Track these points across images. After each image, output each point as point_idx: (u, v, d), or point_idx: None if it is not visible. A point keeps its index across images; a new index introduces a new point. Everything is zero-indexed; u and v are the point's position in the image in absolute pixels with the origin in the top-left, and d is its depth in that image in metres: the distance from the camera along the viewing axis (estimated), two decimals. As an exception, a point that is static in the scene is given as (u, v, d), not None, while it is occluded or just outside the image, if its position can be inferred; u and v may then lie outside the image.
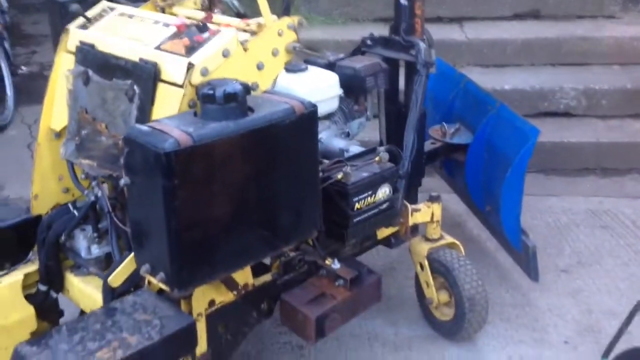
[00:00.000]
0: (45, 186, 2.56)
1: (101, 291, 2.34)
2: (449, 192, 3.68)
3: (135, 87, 2.13)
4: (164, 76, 2.10)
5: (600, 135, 4.48)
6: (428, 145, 3.32)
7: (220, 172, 1.90)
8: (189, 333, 1.95)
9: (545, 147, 4.20)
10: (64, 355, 1.80)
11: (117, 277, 2.12)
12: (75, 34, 2.42)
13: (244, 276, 2.31)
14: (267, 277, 2.44)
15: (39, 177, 2.54)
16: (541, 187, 4.17)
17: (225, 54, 2.08)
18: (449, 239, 2.93)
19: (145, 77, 2.11)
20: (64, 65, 2.46)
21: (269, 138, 1.98)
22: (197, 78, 2.03)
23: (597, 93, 4.63)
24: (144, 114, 2.12)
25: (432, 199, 2.88)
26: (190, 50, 2.07)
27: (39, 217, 2.56)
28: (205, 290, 2.19)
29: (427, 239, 2.92)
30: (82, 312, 2.65)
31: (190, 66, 2.03)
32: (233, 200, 1.95)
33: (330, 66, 2.77)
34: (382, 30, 3.27)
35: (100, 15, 2.44)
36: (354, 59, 2.91)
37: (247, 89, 1.95)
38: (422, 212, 2.84)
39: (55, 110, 2.48)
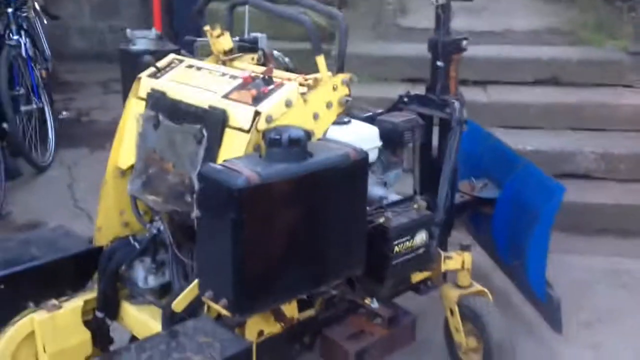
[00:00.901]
0: (107, 219, 2.76)
1: (155, 319, 2.54)
2: (474, 245, 3.84)
3: (204, 131, 2.36)
4: (231, 122, 2.32)
5: (619, 198, 4.66)
6: (457, 199, 3.51)
7: (281, 209, 2.11)
8: (247, 356, 2.12)
9: (566, 207, 4.34)
10: (134, 372, 1.97)
11: (180, 303, 2.30)
12: (146, 82, 2.66)
13: (290, 310, 2.48)
14: (310, 313, 2.61)
15: (103, 211, 2.75)
16: (562, 245, 4.31)
17: (288, 104, 2.32)
18: (478, 287, 3.10)
19: (214, 122, 2.34)
20: (133, 109, 2.69)
21: (325, 180, 2.19)
22: (262, 124, 2.26)
23: (615, 157, 4.84)
24: (211, 155, 2.33)
25: (464, 248, 3.06)
26: (257, 99, 2.30)
27: (100, 248, 2.75)
28: (256, 321, 2.37)
29: (458, 286, 3.08)
30: (132, 339, 2.83)
31: (257, 114, 2.26)
32: (291, 235, 2.15)
33: (371, 120, 2.99)
34: (408, 89, 3.49)
35: (169, 66, 2.69)
36: (393, 114, 3.13)
37: (308, 135, 2.18)
38: (454, 260, 3.02)
39: (123, 150, 2.70)
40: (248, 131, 2.27)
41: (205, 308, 2.31)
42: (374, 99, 4.85)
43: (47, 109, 5.83)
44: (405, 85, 5.03)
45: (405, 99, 3.33)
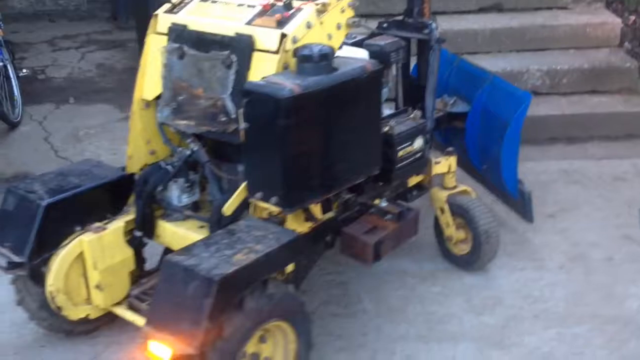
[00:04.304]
0: (136, 149, 3.02)
1: (192, 231, 2.86)
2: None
3: (233, 57, 2.64)
4: (258, 46, 2.61)
5: (564, 109, 5.17)
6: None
7: (317, 115, 2.44)
8: (297, 244, 2.47)
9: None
10: (209, 259, 2.28)
11: (230, 206, 2.61)
12: (164, 18, 2.90)
13: (316, 212, 2.83)
14: (330, 214, 2.96)
15: (132, 141, 3.00)
16: (519, 155, 4.79)
17: (309, 26, 2.62)
18: (462, 186, 3.52)
19: (242, 47, 2.62)
20: (153, 44, 2.93)
21: (349, 89, 2.53)
22: (289, 45, 2.56)
23: (558, 73, 5.33)
24: (241, 78, 2.62)
25: (449, 153, 3.47)
26: (281, 23, 2.59)
27: (132, 175, 3.02)
28: (291, 222, 2.71)
29: (445, 188, 3.50)
30: (161, 259, 3.13)
31: (283, 36, 2.56)
32: (325, 138, 2.50)
33: (358, 45, 3.32)
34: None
35: (182, 2, 2.93)
36: (377, 38, 3.45)
37: (333, 51, 2.50)
38: (442, 164, 3.42)
39: (147, 83, 2.95)
40: (276, 52, 2.56)
41: (251, 210, 2.63)
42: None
43: (9, 67, 5.88)
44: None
45: (385, 25, 3.67)
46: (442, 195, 3.46)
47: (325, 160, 2.52)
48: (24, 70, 6.18)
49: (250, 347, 2.44)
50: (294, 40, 2.57)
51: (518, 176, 3.69)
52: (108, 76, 6.92)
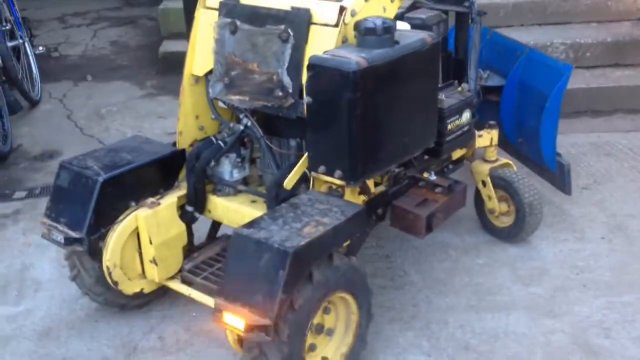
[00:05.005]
0: (186, 125, 3.01)
1: (245, 205, 2.88)
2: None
3: (290, 31, 2.63)
4: (315, 19, 2.60)
5: (589, 82, 5.18)
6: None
7: (381, 88, 2.44)
8: (362, 216, 2.49)
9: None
10: (279, 232, 2.29)
11: (290, 180, 2.62)
12: (214, -7, 2.89)
13: (370, 185, 2.84)
14: (381, 188, 2.97)
15: (183, 117, 2.99)
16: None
17: (366, -1, 2.62)
18: (503, 160, 3.54)
19: (299, 21, 2.61)
20: (202, 19, 2.92)
21: (411, 62, 2.53)
22: (348, 18, 2.55)
23: (582, 47, 5.34)
24: (298, 52, 2.62)
25: (490, 126, 3.48)
26: (339, -4, 2.59)
27: (183, 151, 3.02)
28: (347, 196, 2.72)
29: (487, 161, 3.51)
30: (211, 230, 3.15)
31: (342, 9, 2.55)
32: (388, 110, 2.50)
33: (398, 18, 3.31)
34: None
35: (232, -24, 2.91)
36: (418, 11, 3.45)
37: (395, 24, 2.50)
38: (484, 137, 3.43)
39: (197, 58, 2.94)
40: (335, 25, 2.56)
41: (311, 184, 2.64)
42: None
43: (27, 45, 5.85)
44: None
45: (423, -1, 3.66)
46: (484, 168, 3.48)
47: (387, 133, 2.53)
48: (40, 48, 6.13)
49: (316, 319, 2.47)
50: (353, 14, 2.57)
51: (556, 149, 3.71)
52: (123, 53, 6.89)
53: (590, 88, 5.15)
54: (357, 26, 2.50)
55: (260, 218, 2.42)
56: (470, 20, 3.47)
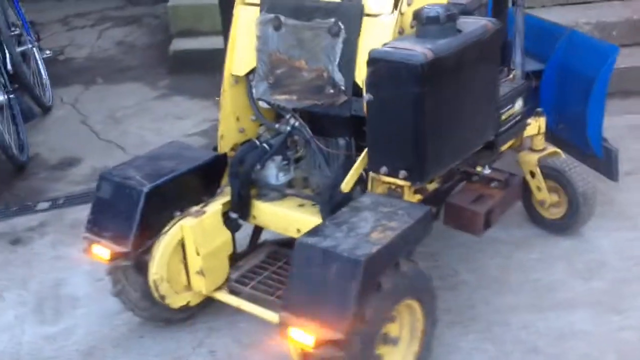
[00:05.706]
0: (228, 128, 2.87)
1: (293, 210, 2.74)
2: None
3: (340, 24, 2.48)
4: (367, 11, 2.46)
5: (617, 63, 5.02)
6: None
7: (447, 81, 2.30)
8: (428, 218, 2.35)
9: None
10: (345, 240, 2.15)
11: (349, 182, 2.48)
12: (253, -13, 2.73)
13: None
14: (434, 185, 2.83)
15: (224, 120, 2.85)
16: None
17: (419, -13, 2.47)
18: (552, 148, 3.40)
19: (351, 13, 2.46)
20: (242, 16, 2.76)
21: (475, 51, 2.39)
22: (405, 7, 2.41)
23: (607, 26, 5.19)
24: (350, 46, 2.48)
25: (538, 114, 3.34)
26: (392, -15, 2.44)
27: (225, 155, 2.87)
28: (405, 196, 2.58)
29: (534, 150, 3.37)
30: (252, 239, 3.01)
31: (398, -1, 2.41)
32: (453, 104, 2.36)
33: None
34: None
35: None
36: (457, -4, 3.32)
37: (458, 12, 2.35)
38: (532, 126, 3.28)
39: (237, 58, 2.79)
40: (391, 15, 2.41)
41: (369, 186, 2.50)
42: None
43: (36, 49, 5.69)
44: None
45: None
46: (532, 158, 3.33)
47: (452, 128, 2.39)
48: (47, 52, 5.96)
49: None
50: (409, 3, 2.42)
51: (603, 134, 3.57)
52: (130, 54, 6.72)
53: (620, 68, 4.95)
54: (417, 15, 2.35)
55: (323, 225, 2.28)
56: (512, 3, 3.32)
